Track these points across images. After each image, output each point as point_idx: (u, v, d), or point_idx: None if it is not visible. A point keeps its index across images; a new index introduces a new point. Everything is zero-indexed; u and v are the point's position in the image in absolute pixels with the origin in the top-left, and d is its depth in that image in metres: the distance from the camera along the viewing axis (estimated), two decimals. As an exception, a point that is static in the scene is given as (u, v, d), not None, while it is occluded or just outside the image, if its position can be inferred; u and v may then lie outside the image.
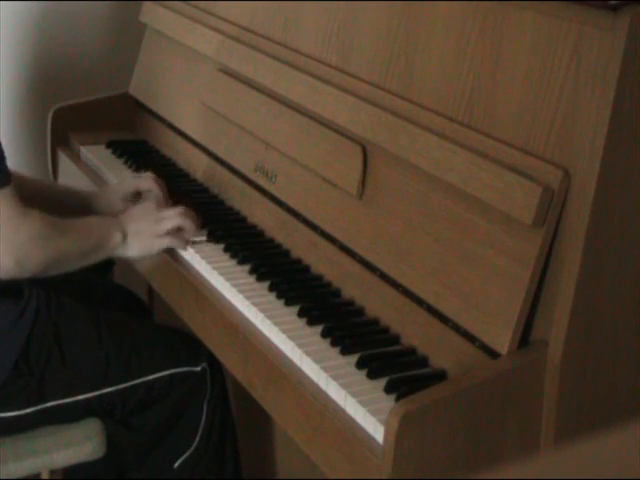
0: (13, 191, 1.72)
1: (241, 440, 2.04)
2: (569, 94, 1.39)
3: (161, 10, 2.48)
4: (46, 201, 2.01)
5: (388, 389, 1.42)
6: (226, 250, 1.87)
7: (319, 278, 1.77)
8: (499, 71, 1.51)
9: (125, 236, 1.85)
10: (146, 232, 1.87)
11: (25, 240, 1.72)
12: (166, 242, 1.88)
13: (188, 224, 1.89)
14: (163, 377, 1.87)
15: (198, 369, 1.89)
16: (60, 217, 1.87)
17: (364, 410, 1.37)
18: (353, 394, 1.41)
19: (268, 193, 1.96)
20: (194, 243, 1.90)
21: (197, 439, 1.91)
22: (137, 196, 2.08)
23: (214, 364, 1.91)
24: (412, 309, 1.55)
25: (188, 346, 1.90)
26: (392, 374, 1.45)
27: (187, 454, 1.91)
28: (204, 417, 1.91)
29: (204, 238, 1.91)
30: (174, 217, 1.89)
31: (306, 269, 1.80)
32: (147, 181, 2.07)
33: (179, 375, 1.88)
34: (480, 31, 1.55)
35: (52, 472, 1.84)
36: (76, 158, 2.43)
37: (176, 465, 1.92)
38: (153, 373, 1.86)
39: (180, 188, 2.16)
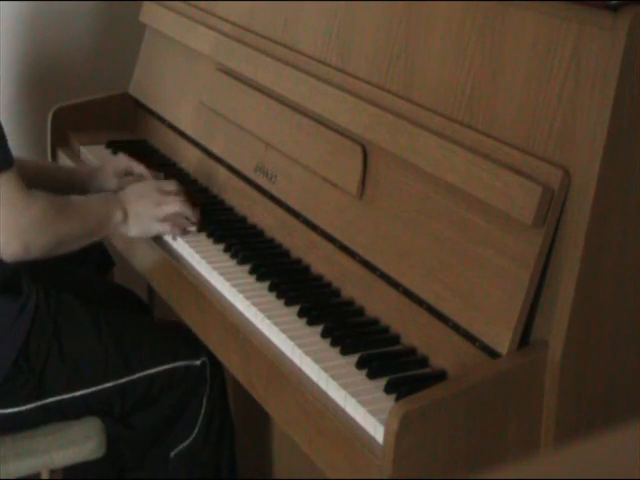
0: (16, 174, 1.72)
1: (240, 440, 2.04)
2: (569, 94, 1.39)
3: (161, 10, 2.48)
4: (42, 180, 2.03)
5: (388, 389, 1.42)
6: (226, 250, 1.87)
7: (319, 278, 1.77)
8: (499, 71, 1.51)
9: (126, 215, 1.88)
10: (146, 214, 1.90)
11: (31, 223, 1.73)
12: (163, 228, 1.91)
13: (187, 211, 1.91)
14: (163, 371, 1.87)
15: (198, 363, 1.90)
16: (59, 195, 1.89)
17: (364, 410, 1.37)
18: (353, 394, 1.41)
19: (268, 193, 1.96)
20: (194, 224, 1.92)
21: (195, 431, 1.91)
22: (129, 174, 2.13)
23: (214, 359, 1.91)
24: (412, 309, 1.55)
25: (188, 340, 1.91)
26: (392, 374, 1.45)
27: (184, 444, 1.92)
28: (202, 412, 1.91)
29: (194, 229, 1.93)
30: (174, 202, 1.91)
31: (306, 269, 1.80)
32: (141, 168, 2.12)
33: (179, 370, 1.88)
34: (480, 31, 1.55)
35: (52, 472, 1.84)
36: (76, 158, 2.43)
37: (172, 454, 1.92)
38: (153, 367, 1.86)
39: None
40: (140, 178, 2.11)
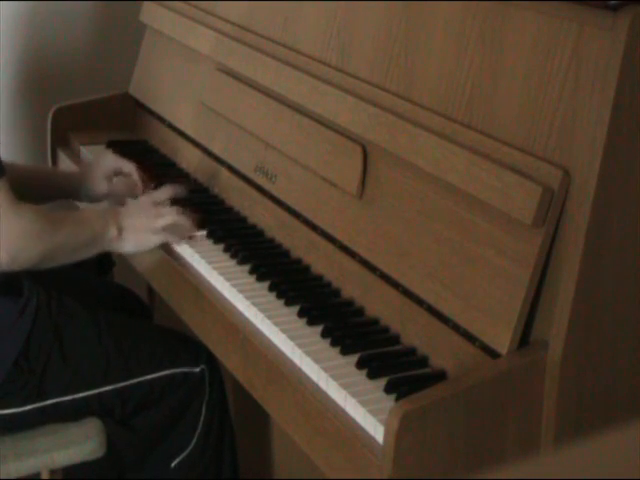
0: (7, 184, 1.71)
1: (239, 441, 2.04)
2: (569, 94, 1.39)
3: (161, 10, 2.48)
4: (32, 184, 2.02)
5: (388, 389, 1.42)
6: (226, 250, 1.87)
7: (319, 278, 1.77)
8: (499, 71, 1.51)
9: (121, 230, 1.85)
10: (142, 227, 1.88)
11: (19, 233, 1.71)
12: (162, 238, 1.89)
13: (184, 221, 1.90)
14: (162, 377, 1.87)
15: (197, 370, 1.89)
16: (46, 198, 1.87)
17: (364, 410, 1.37)
18: (353, 394, 1.41)
19: (268, 193, 1.96)
20: (191, 238, 1.90)
21: (194, 440, 1.91)
22: (119, 174, 2.11)
23: (213, 366, 1.91)
24: (412, 309, 1.55)
25: (187, 347, 1.91)
26: (392, 374, 1.45)
27: (184, 454, 1.91)
28: (202, 418, 1.91)
29: (204, 234, 1.92)
30: (170, 214, 1.90)
31: (306, 269, 1.80)
32: (129, 166, 2.11)
33: (178, 376, 1.88)
34: (480, 31, 1.55)
35: (52, 472, 1.84)
36: (76, 158, 2.43)
37: (173, 464, 1.92)
38: (152, 373, 1.86)
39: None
40: (130, 176, 2.10)
